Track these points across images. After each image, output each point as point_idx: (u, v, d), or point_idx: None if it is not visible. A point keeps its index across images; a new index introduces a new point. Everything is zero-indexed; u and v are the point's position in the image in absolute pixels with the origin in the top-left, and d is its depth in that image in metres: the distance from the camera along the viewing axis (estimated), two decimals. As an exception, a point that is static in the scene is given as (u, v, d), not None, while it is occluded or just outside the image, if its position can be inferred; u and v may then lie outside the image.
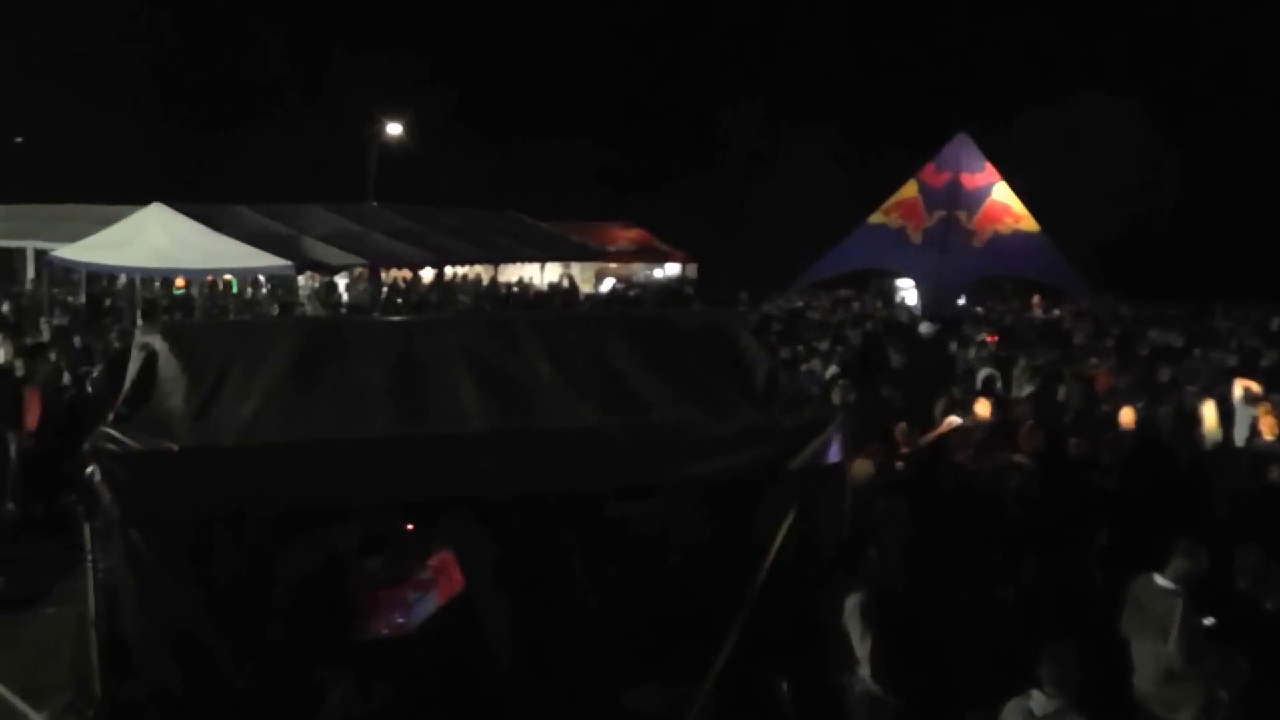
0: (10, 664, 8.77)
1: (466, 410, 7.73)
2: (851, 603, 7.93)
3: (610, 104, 56.82)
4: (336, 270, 27.49)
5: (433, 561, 7.98)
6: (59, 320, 24.13)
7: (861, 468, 10.70)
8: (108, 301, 30.19)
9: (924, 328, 22.49)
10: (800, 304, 32.42)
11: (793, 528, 7.76)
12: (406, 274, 33.49)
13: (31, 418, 15.44)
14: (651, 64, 58.30)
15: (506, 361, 8.34)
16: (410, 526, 8.06)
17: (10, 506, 14.75)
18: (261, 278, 31.55)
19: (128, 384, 8.18)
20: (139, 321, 23.73)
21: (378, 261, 27.11)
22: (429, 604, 7.89)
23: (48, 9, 56.59)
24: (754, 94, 54.71)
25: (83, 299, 29.52)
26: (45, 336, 21.57)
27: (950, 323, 24.31)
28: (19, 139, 60.41)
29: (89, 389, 16.50)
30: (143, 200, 26.08)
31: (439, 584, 7.92)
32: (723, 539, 8.00)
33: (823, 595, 8.00)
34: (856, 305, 33.25)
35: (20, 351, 18.44)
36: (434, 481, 7.41)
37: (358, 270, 29.90)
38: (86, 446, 7.25)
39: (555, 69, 57.55)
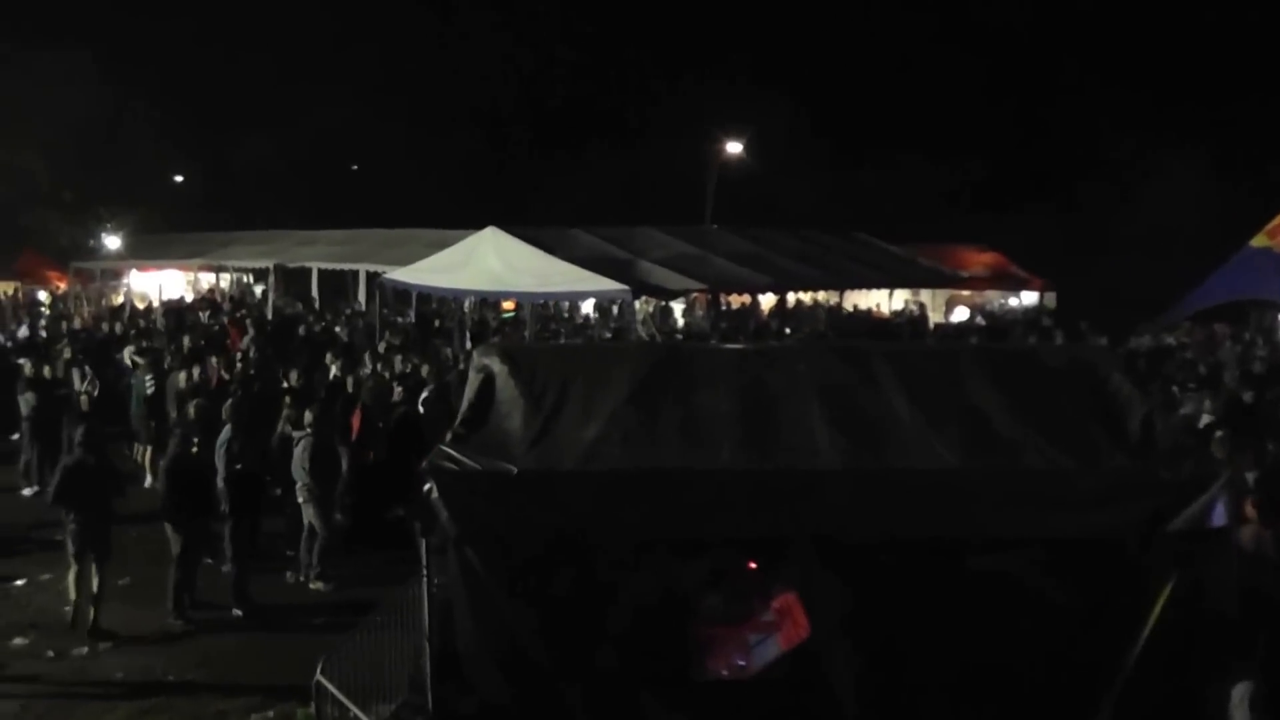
0: (340, 669, 9.36)
1: (817, 445, 7.76)
2: (1239, 693, 7.40)
3: (964, 120, 55.75)
4: (674, 295, 27.91)
5: (776, 604, 7.95)
6: (391, 340, 25.56)
7: (1252, 534, 9.97)
8: (437, 323, 31.83)
9: None
10: (1171, 340, 30.76)
11: (1172, 599, 7.38)
12: (745, 299, 33.74)
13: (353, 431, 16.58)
14: (1012, 80, 56.84)
15: (860, 394, 8.32)
16: (753, 564, 8.10)
17: (339, 517, 15.72)
18: (592, 301, 32.52)
19: (465, 404, 8.65)
20: (468, 343, 24.92)
21: (717, 286, 27.43)
22: (771, 648, 7.88)
23: (379, 42, 60.25)
24: (1120, 109, 52.60)
25: (413, 319, 31.28)
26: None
27: None
28: (355, 166, 64.90)
29: (420, 408, 17.49)
30: (474, 224, 27.32)
31: (782, 628, 7.90)
32: (1092, 605, 7.63)
33: (1206, 680, 7.52)
34: (1235, 344, 31.26)
35: (350, 369, 19.78)
36: (780, 518, 7.47)
37: (694, 295, 30.30)
38: (425, 464, 7.70)
39: (907, 84, 56.91)
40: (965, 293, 40.63)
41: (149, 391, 19.48)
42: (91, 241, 48.51)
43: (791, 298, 34.60)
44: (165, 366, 20.49)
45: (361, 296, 36.55)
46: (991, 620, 7.68)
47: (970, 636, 7.66)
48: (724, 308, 33.21)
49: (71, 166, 50.76)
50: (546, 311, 33.07)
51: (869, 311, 37.72)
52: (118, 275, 45.82)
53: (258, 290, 43.19)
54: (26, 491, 18.96)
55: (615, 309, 32.10)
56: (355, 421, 16.78)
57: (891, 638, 7.75)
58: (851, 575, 7.76)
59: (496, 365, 8.83)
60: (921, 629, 7.69)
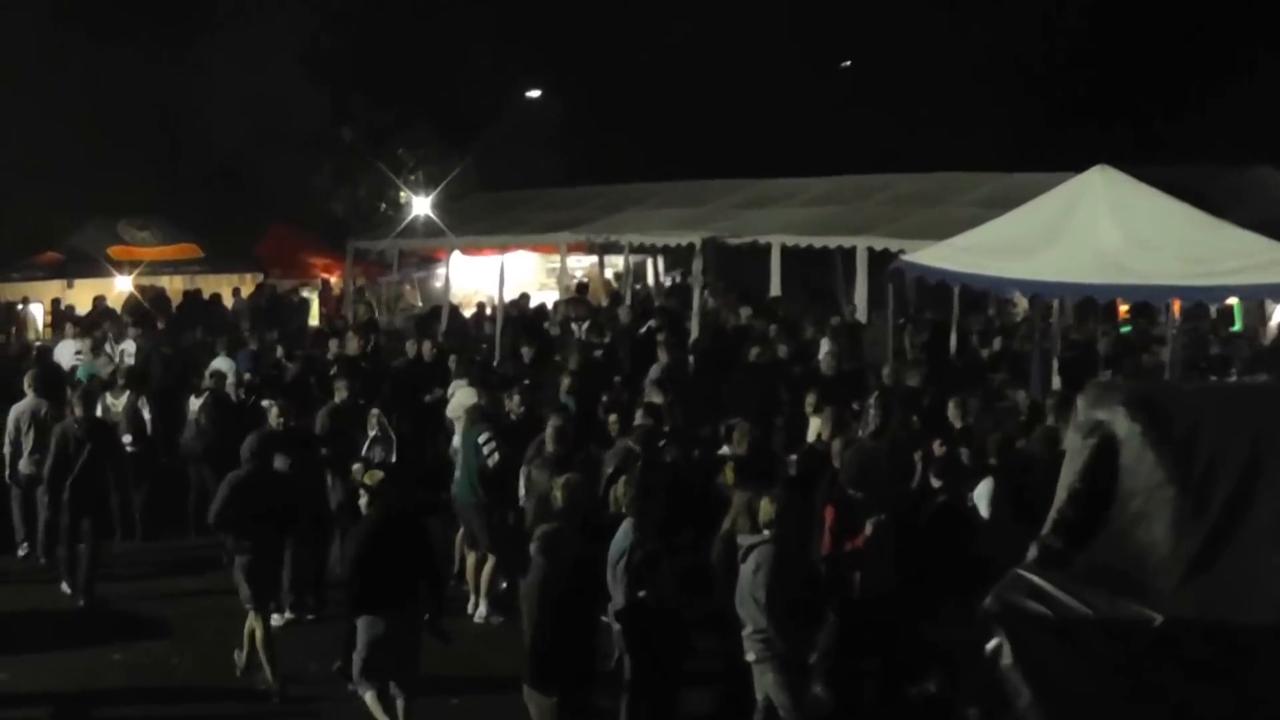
0: None
1: None
2: None
3: None
4: None
5: None
6: (904, 374, 25.38)
7: None
8: (996, 342, 31.40)
9: None
10: None
11: None
12: None
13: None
14: None
15: None
16: None
17: (819, 691, 15.65)
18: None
19: (1063, 493, 8.71)
20: (1056, 379, 24.75)
21: None
22: None
23: None
24: None
25: (953, 335, 31.02)
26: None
27: None
28: (846, 63, 64.97)
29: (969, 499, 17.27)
30: (1063, 165, 27.10)
31: None
32: None
33: None
34: None
35: (843, 426, 19.38)
36: None
37: None
38: (989, 602, 7.76)
39: None
40: None
41: (492, 460, 19.87)
42: (384, 207, 50.75)
43: None
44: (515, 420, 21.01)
45: (861, 293, 36.60)
46: None
47: None
48: None
49: (355, 89, 53.08)
50: (1200, 325, 32.53)
51: None
52: (428, 260, 46.98)
53: (669, 282, 44.28)
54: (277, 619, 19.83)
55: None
56: (829, 518, 16.39)
57: None
58: None
59: (1122, 424, 8.81)
60: None
